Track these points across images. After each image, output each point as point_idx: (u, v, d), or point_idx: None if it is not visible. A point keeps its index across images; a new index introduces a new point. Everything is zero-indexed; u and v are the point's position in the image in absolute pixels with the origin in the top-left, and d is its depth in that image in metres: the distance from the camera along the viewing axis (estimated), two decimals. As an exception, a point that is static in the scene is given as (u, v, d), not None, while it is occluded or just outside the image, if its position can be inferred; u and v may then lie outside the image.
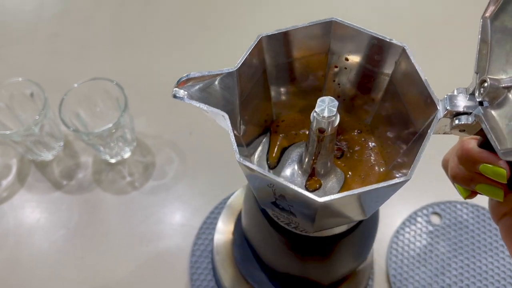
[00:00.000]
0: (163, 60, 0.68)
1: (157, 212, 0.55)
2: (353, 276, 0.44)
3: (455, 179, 0.28)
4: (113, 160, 0.58)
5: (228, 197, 0.53)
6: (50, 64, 0.68)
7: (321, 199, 0.23)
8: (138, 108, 0.58)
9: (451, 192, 0.32)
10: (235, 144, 0.24)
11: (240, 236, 0.42)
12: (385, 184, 0.23)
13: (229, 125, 0.25)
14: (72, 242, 0.53)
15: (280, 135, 0.34)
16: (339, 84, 0.32)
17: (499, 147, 0.21)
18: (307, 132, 0.34)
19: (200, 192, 0.56)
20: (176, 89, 0.27)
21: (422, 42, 0.65)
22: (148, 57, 0.69)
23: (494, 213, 0.29)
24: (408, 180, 0.24)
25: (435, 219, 0.53)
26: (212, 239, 0.49)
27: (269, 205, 0.30)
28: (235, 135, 0.26)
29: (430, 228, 0.51)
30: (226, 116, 0.26)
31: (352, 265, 0.40)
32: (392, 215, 0.53)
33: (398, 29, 0.67)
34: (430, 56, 0.63)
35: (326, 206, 0.24)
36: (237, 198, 0.51)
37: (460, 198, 0.30)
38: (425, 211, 0.53)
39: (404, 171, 0.28)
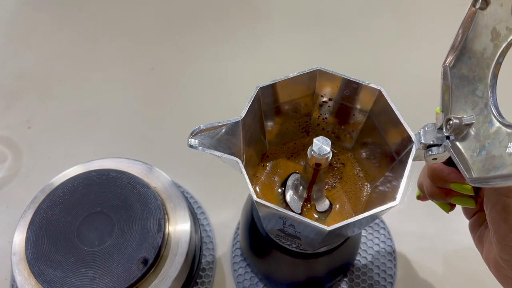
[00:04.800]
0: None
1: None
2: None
3: (433, 196, 0.34)
4: None
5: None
6: None
7: (329, 228, 0.28)
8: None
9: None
10: (252, 189, 0.28)
11: (35, 232, 0.40)
12: (379, 210, 0.28)
13: (244, 171, 0.29)
14: None
15: (273, 162, 0.38)
16: (323, 119, 0.37)
17: (467, 176, 0.26)
18: (296, 158, 0.39)
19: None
20: (190, 139, 0.30)
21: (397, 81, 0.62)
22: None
23: (467, 212, 0.35)
24: (397, 204, 0.29)
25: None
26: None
27: (274, 231, 0.34)
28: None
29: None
30: (240, 162, 0.30)
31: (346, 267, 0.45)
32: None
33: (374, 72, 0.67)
34: (404, 92, 0.55)
35: (332, 231, 0.28)
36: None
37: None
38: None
39: (386, 189, 0.33)
